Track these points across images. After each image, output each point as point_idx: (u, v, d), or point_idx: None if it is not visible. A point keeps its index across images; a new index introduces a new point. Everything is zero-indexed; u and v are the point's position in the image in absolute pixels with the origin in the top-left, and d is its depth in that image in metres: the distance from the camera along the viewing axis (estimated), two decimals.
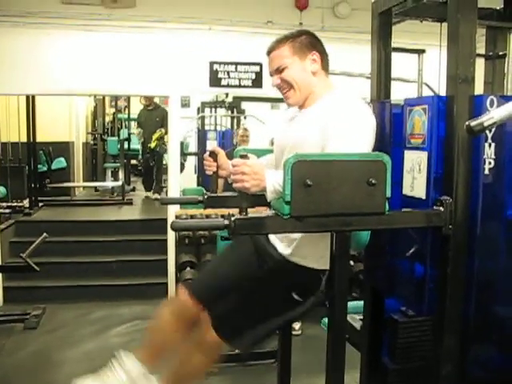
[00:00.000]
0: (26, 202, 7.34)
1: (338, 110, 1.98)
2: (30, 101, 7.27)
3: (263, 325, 2.12)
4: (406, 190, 1.97)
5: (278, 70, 2.13)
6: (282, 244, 2.14)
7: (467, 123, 1.47)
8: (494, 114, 1.45)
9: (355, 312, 2.47)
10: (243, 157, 1.77)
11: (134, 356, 2.24)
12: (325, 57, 2.16)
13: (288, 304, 2.10)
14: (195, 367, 2.24)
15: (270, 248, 2.18)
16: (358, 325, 2.45)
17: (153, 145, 8.40)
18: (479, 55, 2.19)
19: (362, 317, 2.38)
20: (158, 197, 8.47)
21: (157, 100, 9.16)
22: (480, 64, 2.23)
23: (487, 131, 1.71)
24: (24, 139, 7.58)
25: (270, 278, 2.17)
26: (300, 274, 2.11)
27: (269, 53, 2.17)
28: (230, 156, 2.36)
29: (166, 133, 7.81)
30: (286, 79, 2.12)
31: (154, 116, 8.55)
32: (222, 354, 2.25)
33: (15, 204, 7.10)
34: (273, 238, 2.17)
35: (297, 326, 4.56)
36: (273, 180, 1.78)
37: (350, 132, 1.91)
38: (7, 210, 6.71)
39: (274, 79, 2.16)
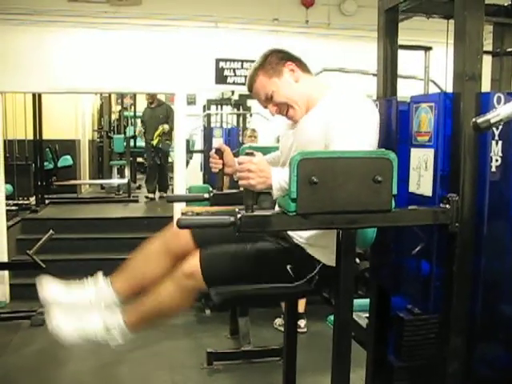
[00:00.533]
0: (32, 200, 7.38)
1: (339, 108, 1.98)
2: (37, 99, 7.29)
3: (248, 284, 2.08)
4: (413, 188, 1.96)
5: (268, 99, 2.14)
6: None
7: (473, 120, 1.46)
8: (501, 111, 1.44)
9: (361, 310, 2.46)
10: (249, 154, 1.77)
11: (110, 281, 2.24)
12: (299, 60, 2.16)
13: (279, 274, 2.08)
14: (165, 301, 2.17)
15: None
16: (363, 323, 2.44)
17: (155, 142, 8.39)
18: (486, 52, 2.17)
19: (367, 315, 2.38)
20: (164, 195, 8.47)
21: (162, 97, 9.14)
22: (487, 61, 2.22)
23: (494, 128, 1.70)
24: (30, 137, 7.61)
25: (273, 246, 2.16)
26: (299, 255, 2.10)
27: (250, 90, 2.19)
28: (236, 155, 2.37)
29: (171, 129, 7.81)
30: (280, 102, 2.13)
31: (158, 113, 8.50)
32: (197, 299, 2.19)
33: (22, 201, 7.13)
34: None
35: (302, 323, 4.56)
36: (279, 177, 1.78)
37: (352, 129, 1.91)
38: (14, 208, 6.74)
39: (270, 109, 2.17)
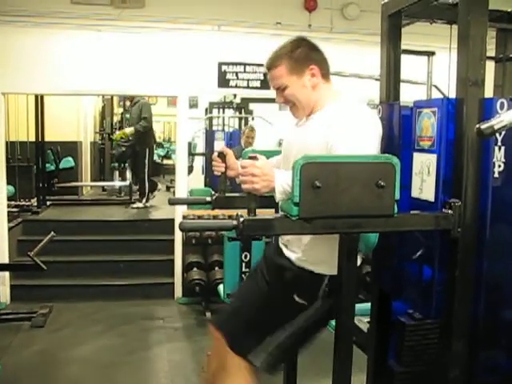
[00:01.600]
0: (33, 201, 7.38)
1: (341, 116, 1.99)
2: (39, 100, 7.30)
3: (272, 336, 2.10)
4: (415, 193, 1.96)
5: (280, 89, 2.14)
6: (289, 251, 2.18)
7: (477, 126, 1.46)
8: (505, 116, 1.44)
9: (362, 314, 2.46)
10: (252, 158, 1.77)
11: None
12: (324, 65, 2.14)
13: (290, 308, 2.10)
14: None
15: (278, 258, 2.22)
16: (364, 327, 2.44)
17: (118, 136, 8.11)
18: (489, 58, 2.18)
19: (368, 319, 2.37)
20: (141, 205, 7.71)
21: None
22: (490, 67, 2.23)
23: (497, 134, 1.70)
24: (32, 138, 7.62)
25: (273, 286, 2.20)
26: (300, 276, 2.12)
27: (268, 69, 2.17)
28: (236, 154, 2.37)
29: (143, 128, 7.51)
30: (289, 98, 2.14)
31: (132, 113, 7.95)
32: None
33: (23, 203, 7.13)
34: (282, 246, 2.22)
35: None
36: (282, 181, 1.78)
37: (354, 137, 1.91)
38: (15, 209, 6.74)
39: (278, 97, 2.18)
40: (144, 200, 7.71)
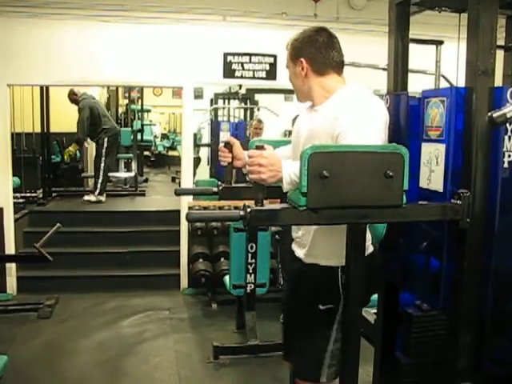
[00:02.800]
0: (39, 193, 7.39)
1: (347, 105, 1.98)
2: (44, 92, 7.29)
3: (326, 349, 2.12)
4: (423, 183, 1.95)
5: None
6: (299, 249, 2.21)
7: (489, 114, 1.44)
8: None
9: (369, 306, 2.45)
10: (259, 148, 1.76)
11: None
12: (316, 57, 2.13)
13: (323, 318, 2.11)
14: None
15: (292, 264, 2.27)
16: (371, 318, 2.44)
17: (65, 156, 8.02)
18: (499, 47, 2.15)
19: (375, 310, 2.37)
20: (93, 198, 7.30)
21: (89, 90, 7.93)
22: (499, 55, 2.20)
23: (507, 123, 1.68)
24: (38, 130, 7.61)
25: (297, 299, 2.23)
26: (313, 277, 2.14)
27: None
28: (243, 146, 2.36)
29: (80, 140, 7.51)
30: (289, 80, 2.27)
31: (78, 113, 7.55)
32: None
33: (29, 194, 7.14)
34: (294, 247, 2.26)
35: None
36: (289, 171, 1.77)
37: (360, 126, 1.89)
38: (21, 200, 6.76)
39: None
40: (97, 192, 7.36)
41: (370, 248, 2.12)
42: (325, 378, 2.13)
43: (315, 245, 2.11)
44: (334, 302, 2.07)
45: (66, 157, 8.05)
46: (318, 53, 2.13)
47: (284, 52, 2.26)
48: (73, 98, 7.54)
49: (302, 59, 2.13)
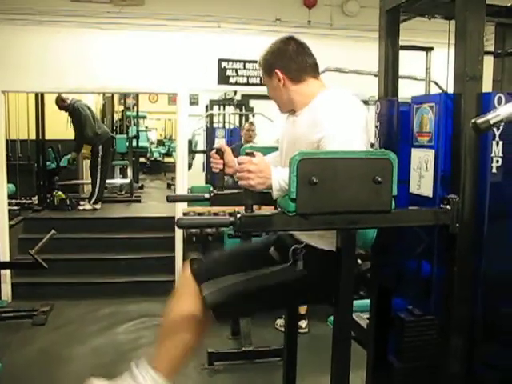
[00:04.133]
0: (34, 199, 7.38)
1: (326, 109, 2.01)
2: (39, 98, 7.30)
3: (233, 276, 2.07)
4: (413, 188, 1.96)
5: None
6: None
7: (473, 121, 1.45)
8: (501, 111, 1.44)
9: (362, 310, 2.46)
10: (249, 154, 1.77)
11: (147, 363, 2.22)
12: (289, 66, 2.16)
13: (260, 256, 2.16)
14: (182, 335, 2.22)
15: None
16: (364, 323, 2.44)
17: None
18: (488, 53, 2.17)
19: (368, 315, 2.37)
20: (88, 206, 7.23)
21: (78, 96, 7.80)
22: (489, 61, 2.22)
23: (495, 129, 1.70)
24: (33, 137, 7.62)
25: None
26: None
27: None
28: (236, 152, 2.37)
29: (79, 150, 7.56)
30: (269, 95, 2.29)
31: (72, 120, 7.53)
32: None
33: (24, 201, 7.14)
34: None
35: (303, 324, 4.55)
36: (278, 177, 1.78)
37: (342, 129, 1.91)
38: (16, 207, 6.75)
39: None
40: (92, 201, 7.30)
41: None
42: (207, 291, 2.05)
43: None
44: (282, 257, 2.15)
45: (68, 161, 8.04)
46: (290, 61, 2.16)
47: None
48: (61, 104, 7.43)
49: (277, 70, 2.16)
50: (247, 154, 1.77)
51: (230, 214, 1.63)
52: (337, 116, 1.96)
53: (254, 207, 1.67)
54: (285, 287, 2.07)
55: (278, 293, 2.08)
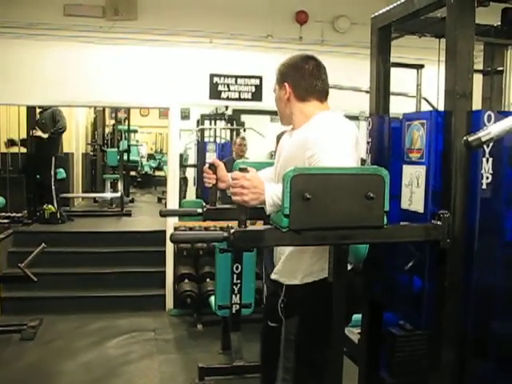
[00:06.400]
0: (24, 213, 7.34)
1: (317, 129, 2.04)
2: (31, 112, 7.29)
3: None
4: (405, 204, 1.98)
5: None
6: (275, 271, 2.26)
7: (465, 138, 1.48)
8: (492, 129, 1.46)
9: (353, 325, 2.46)
10: (243, 170, 1.78)
11: None
12: (298, 83, 2.19)
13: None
14: None
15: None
16: (355, 338, 2.45)
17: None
18: (477, 71, 2.21)
19: (359, 330, 2.38)
20: None
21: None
22: (478, 80, 2.26)
23: (485, 146, 1.72)
24: (24, 150, 7.59)
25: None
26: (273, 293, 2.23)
27: None
28: (227, 165, 2.39)
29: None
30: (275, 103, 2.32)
31: (45, 117, 7.41)
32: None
33: (14, 214, 7.09)
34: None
35: None
36: (272, 193, 1.79)
37: (332, 147, 1.94)
38: (6, 221, 6.71)
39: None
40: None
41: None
42: None
43: (285, 262, 2.19)
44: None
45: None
46: (301, 79, 2.19)
47: (270, 74, 2.33)
48: None
49: (286, 84, 2.20)
50: (241, 170, 1.78)
51: (221, 229, 1.64)
52: (327, 134, 2.00)
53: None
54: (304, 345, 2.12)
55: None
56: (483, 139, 1.43)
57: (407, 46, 3.04)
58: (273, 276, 2.23)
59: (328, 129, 2.03)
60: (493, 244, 1.86)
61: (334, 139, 1.97)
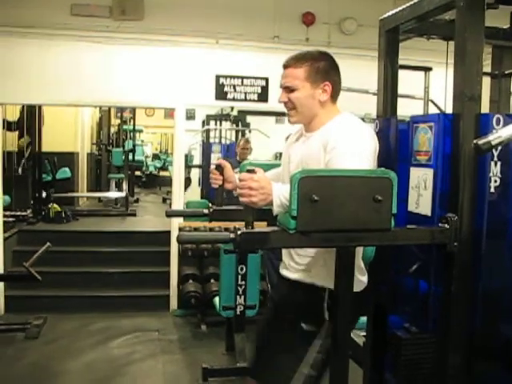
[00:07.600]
0: (29, 212, 7.36)
1: (338, 132, 2.00)
2: (36, 111, 7.31)
3: (297, 371, 2.06)
4: (412, 207, 1.97)
5: (289, 89, 2.13)
6: (285, 267, 2.23)
7: (475, 141, 1.47)
8: (502, 132, 1.46)
9: (358, 328, 2.45)
10: (250, 171, 1.78)
11: None
12: (337, 85, 2.14)
13: (303, 339, 2.10)
14: None
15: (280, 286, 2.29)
16: (360, 341, 2.44)
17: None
18: (485, 74, 2.20)
19: (365, 333, 2.37)
20: None
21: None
22: (486, 82, 2.25)
23: (493, 149, 1.71)
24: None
25: (281, 318, 2.22)
26: (298, 295, 2.16)
27: (285, 67, 2.15)
28: (232, 166, 2.38)
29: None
30: (293, 101, 2.13)
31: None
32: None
33: (19, 213, 7.11)
34: (282, 269, 2.27)
35: None
36: (280, 194, 1.79)
37: (351, 152, 1.92)
38: (11, 219, 6.72)
39: (282, 96, 2.16)
40: None
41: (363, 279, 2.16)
42: None
43: (303, 258, 2.13)
44: (316, 325, 2.06)
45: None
46: (339, 81, 2.14)
47: (276, 75, 2.24)
48: None
49: (328, 83, 2.10)
50: (248, 171, 1.78)
51: (226, 229, 1.64)
52: (348, 140, 1.96)
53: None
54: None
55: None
56: (493, 143, 1.43)
57: (415, 48, 3.04)
58: (308, 280, 2.12)
59: (351, 135, 1.99)
60: (500, 247, 1.85)
61: (355, 147, 1.93)
